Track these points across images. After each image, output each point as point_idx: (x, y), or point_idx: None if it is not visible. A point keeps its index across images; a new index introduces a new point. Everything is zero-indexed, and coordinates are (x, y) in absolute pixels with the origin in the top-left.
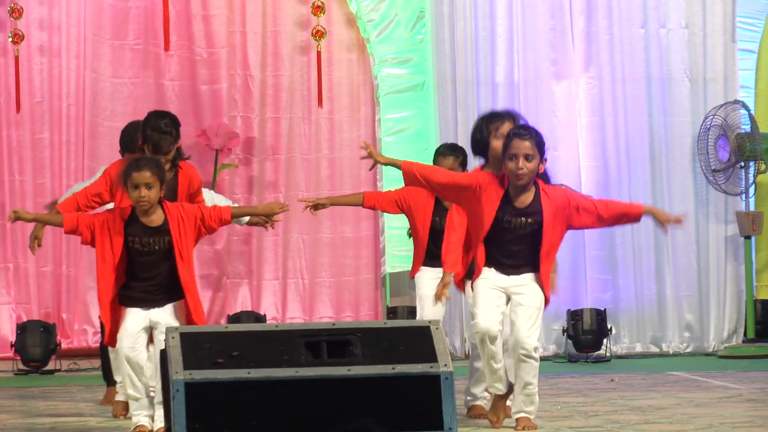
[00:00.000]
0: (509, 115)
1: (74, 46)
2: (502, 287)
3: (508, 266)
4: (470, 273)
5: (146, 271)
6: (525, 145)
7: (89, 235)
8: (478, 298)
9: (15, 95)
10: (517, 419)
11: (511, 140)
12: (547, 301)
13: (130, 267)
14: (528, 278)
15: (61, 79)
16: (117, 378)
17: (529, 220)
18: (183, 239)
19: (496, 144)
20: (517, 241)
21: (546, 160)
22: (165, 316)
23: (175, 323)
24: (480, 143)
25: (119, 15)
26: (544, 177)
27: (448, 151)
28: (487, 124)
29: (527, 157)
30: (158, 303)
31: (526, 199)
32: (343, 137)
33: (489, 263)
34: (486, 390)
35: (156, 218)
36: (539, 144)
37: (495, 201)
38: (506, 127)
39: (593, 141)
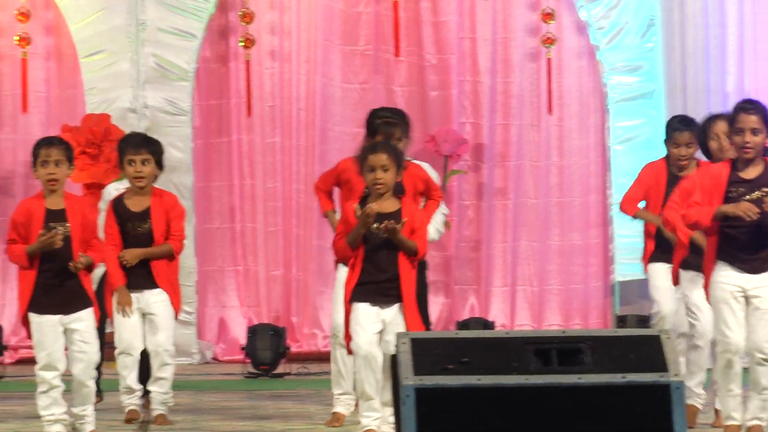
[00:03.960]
0: (723, 115)
1: (305, 51)
2: (740, 288)
3: (746, 261)
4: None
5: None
6: (751, 119)
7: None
8: (721, 311)
9: (246, 99)
10: (749, 427)
11: (737, 114)
12: None
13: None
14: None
15: (291, 83)
16: (337, 390)
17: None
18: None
19: (712, 145)
20: (753, 232)
21: None
22: (394, 315)
23: (402, 324)
24: (701, 147)
25: (350, 20)
26: None
27: (682, 126)
28: (704, 127)
29: (754, 131)
30: (389, 301)
31: (755, 171)
32: (573, 145)
33: (723, 258)
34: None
35: (388, 206)
36: (766, 118)
37: (723, 176)
38: (719, 126)
39: None
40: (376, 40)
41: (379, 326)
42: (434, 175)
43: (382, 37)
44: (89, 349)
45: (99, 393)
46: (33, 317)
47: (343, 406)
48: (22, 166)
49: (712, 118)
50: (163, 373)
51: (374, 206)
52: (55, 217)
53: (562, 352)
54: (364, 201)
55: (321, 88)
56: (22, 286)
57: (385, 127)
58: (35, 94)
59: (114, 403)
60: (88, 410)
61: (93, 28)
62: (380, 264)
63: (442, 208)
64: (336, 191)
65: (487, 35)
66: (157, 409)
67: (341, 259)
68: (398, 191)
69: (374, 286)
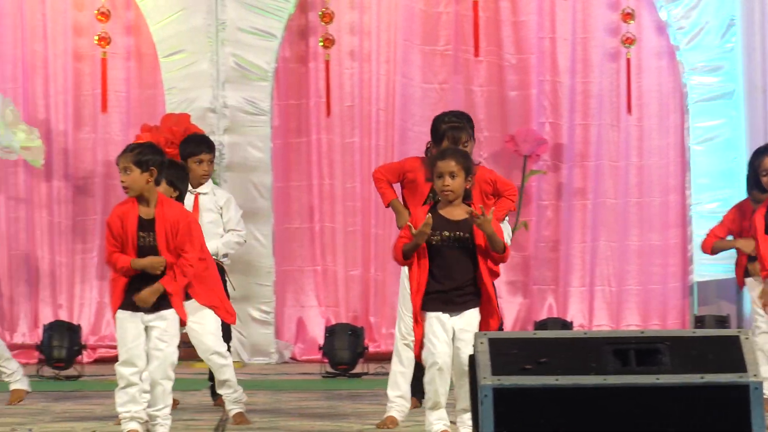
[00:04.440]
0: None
1: (384, 51)
2: None
3: None
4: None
5: (447, 271)
6: None
7: None
8: None
9: (325, 99)
10: None
11: None
12: None
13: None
14: None
15: (371, 83)
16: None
17: None
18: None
19: (765, 181)
20: None
21: None
22: (465, 322)
23: (473, 330)
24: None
25: (430, 20)
26: None
27: None
28: (751, 162)
29: None
30: (459, 309)
31: None
32: (652, 145)
33: None
34: None
35: (457, 213)
36: None
37: None
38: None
39: None
40: (456, 40)
41: (450, 334)
42: None
43: (462, 37)
44: (165, 348)
45: None
46: (119, 313)
47: (397, 410)
48: (101, 166)
49: (758, 154)
50: (223, 375)
51: (429, 219)
52: (146, 226)
53: (641, 352)
54: (434, 208)
55: (400, 88)
56: (113, 285)
57: (451, 131)
58: (115, 94)
59: (193, 402)
60: (162, 411)
61: (173, 28)
62: (449, 272)
63: (506, 227)
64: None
65: (567, 35)
66: (232, 408)
67: (398, 263)
68: (465, 197)
69: (443, 294)
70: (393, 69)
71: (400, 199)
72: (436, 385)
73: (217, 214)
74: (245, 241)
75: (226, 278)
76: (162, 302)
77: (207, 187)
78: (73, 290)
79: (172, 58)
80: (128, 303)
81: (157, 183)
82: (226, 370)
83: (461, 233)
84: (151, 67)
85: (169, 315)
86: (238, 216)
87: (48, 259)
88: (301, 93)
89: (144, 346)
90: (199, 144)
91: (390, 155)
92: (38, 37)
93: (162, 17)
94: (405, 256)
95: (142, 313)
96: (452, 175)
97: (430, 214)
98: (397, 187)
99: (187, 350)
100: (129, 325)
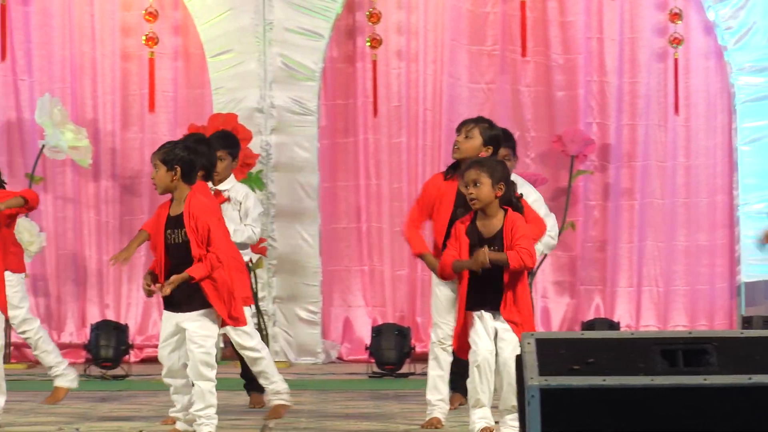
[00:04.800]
0: None
1: (432, 51)
2: None
3: None
4: None
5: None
6: None
7: None
8: None
9: (372, 99)
10: None
11: None
12: None
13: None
14: None
15: (418, 83)
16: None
17: None
18: None
19: None
20: None
21: None
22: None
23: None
24: None
25: (477, 20)
26: None
27: None
28: None
29: None
30: (493, 306)
31: None
32: (699, 145)
33: None
34: None
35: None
36: None
37: None
38: None
39: None
40: (503, 40)
41: (493, 334)
42: (534, 194)
43: (509, 37)
44: (195, 349)
45: None
46: (164, 313)
47: (440, 412)
48: (148, 165)
49: None
50: (258, 367)
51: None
52: (173, 223)
53: (688, 353)
54: (473, 220)
55: (447, 88)
56: None
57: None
58: (162, 93)
59: (239, 403)
60: (204, 411)
61: (221, 27)
62: (485, 275)
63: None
64: None
65: (615, 35)
66: (271, 399)
67: (443, 278)
68: (507, 203)
69: (481, 296)
70: (440, 69)
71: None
72: (478, 384)
73: (236, 211)
74: (257, 238)
75: (251, 278)
76: (194, 303)
77: (228, 183)
78: (120, 290)
79: (219, 58)
80: (168, 303)
81: (190, 181)
82: (260, 362)
83: (495, 248)
84: (199, 67)
85: (198, 317)
86: (256, 212)
87: (95, 258)
88: (349, 93)
89: (175, 347)
90: (216, 140)
91: (437, 155)
92: (86, 38)
93: (210, 17)
94: (456, 272)
95: (177, 314)
96: (476, 183)
97: (485, 249)
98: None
99: (231, 349)
100: (164, 325)
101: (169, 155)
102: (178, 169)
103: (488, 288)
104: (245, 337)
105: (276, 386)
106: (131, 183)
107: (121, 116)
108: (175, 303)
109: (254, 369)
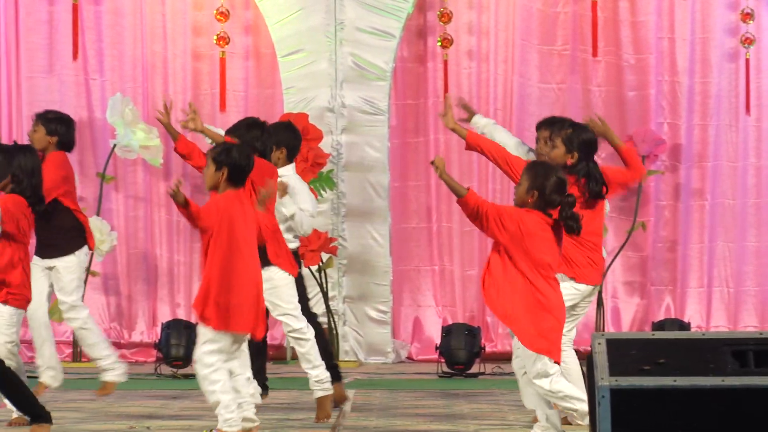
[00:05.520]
0: None
1: (502, 50)
2: None
3: None
4: None
5: None
6: None
7: None
8: None
9: (443, 99)
10: None
11: None
12: None
13: None
14: None
15: (488, 83)
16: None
17: None
18: None
19: None
20: None
21: None
22: None
23: None
24: None
25: (548, 20)
26: None
27: None
28: None
29: None
30: None
31: None
32: None
33: None
34: None
35: None
36: None
37: None
38: None
39: None
40: (574, 39)
41: None
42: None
43: (580, 37)
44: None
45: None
46: None
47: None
48: None
49: None
50: (302, 348)
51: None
52: None
53: (759, 353)
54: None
55: (518, 88)
56: None
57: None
58: (233, 93)
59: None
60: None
61: (292, 27)
62: None
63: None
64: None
65: (686, 35)
66: (314, 390)
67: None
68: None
69: None
70: (510, 69)
71: None
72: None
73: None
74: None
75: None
76: None
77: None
78: (190, 289)
79: (290, 58)
80: None
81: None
82: (305, 344)
83: None
84: (270, 66)
85: None
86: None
87: (166, 257)
88: (419, 93)
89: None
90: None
91: None
92: (158, 38)
93: (281, 17)
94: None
95: None
96: (519, 183)
97: (441, 158)
98: None
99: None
100: None
101: (220, 156)
102: (226, 171)
103: None
104: (292, 320)
105: (319, 373)
106: (202, 182)
107: None
108: None
109: (299, 350)
